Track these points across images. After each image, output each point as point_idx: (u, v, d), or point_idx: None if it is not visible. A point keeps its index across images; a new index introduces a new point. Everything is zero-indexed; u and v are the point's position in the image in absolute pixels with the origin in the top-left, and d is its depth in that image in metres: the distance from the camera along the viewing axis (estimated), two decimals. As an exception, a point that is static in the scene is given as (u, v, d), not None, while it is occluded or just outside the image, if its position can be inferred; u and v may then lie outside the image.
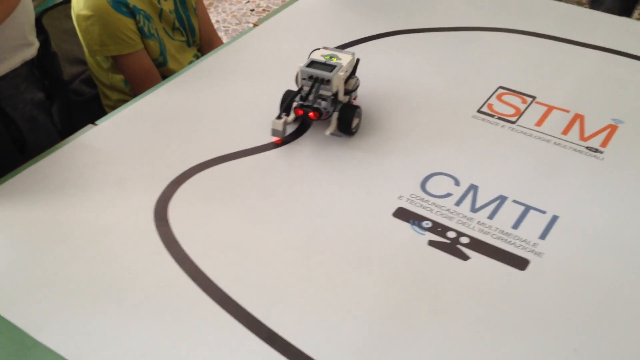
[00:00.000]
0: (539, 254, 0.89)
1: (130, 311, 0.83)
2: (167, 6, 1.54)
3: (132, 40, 1.45)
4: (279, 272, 0.88)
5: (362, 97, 1.17)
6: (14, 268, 0.89)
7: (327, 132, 1.08)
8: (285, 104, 1.09)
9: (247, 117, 1.15)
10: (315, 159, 1.07)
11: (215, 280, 0.86)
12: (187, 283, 0.86)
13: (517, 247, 0.90)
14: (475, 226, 0.94)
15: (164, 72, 1.53)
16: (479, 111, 1.17)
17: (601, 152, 1.07)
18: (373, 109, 1.17)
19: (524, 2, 1.51)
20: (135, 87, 1.50)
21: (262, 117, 1.12)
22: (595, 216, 0.95)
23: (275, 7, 2.88)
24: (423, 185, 1.01)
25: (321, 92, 1.06)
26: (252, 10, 3.14)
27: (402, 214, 0.96)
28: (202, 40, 1.67)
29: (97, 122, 1.16)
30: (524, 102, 1.18)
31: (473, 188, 1.00)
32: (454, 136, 1.11)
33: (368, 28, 1.41)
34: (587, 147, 1.08)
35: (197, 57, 1.62)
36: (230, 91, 1.23)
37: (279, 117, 1.08)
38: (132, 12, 1.44)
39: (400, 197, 0.99)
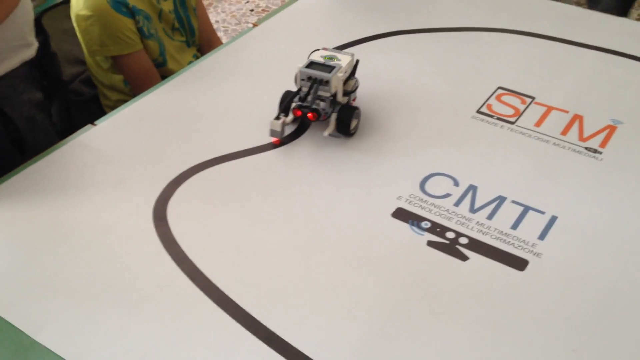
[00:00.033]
0: (537, 255, 0.89)
1: (129, 311, 0.83)
2: (167, 6, 1.54)
3: (132, 41, 1.45)
4: (278, 273, 0.88)
5: (361, 97, 1.17)
6: (13, 268, 0.89)
7: (326, 133, 1.08)
8: (284, 105, 1.09)
9: (247, 118, 1.15)
10: (313, 160, 1.07)
11: (214, 280, 0.86)
12: (186, 283, 0.86)
13: (516, 247, 0.91)
14: (474, 226, 0.94)
15: (163, 72, 1.53)
16: (478, 112, 1.17)
17: (600, 153, 1.07)
18: (372, 109, 1.17)
19: (523, 2, 1.51)
20: (134, 88, 1.50)
21: (261, 118, 1.12)
22: (594, 217, 0.95)
23: (274, 8, 2.88)
24: (422, 186, 1.01)
25: (320, 93, 1.06)
26: (252, 10, 3.14)
27: (401, 214, 0.96)
28: (201, 41, 1.67)
29: (96, 122, 1.16)
30: (523, 102, 1.18)
31: (472, 188, 1.00)
32: (453, 137, 1.11)
33: (367, 28, 1.41)
34: (586, 148, 1.08)
35: (197, 58, 1.62)
36: (229, 91, 1.23)
37: (277, 118, 1.08)
38: (131, 12, 1.44)
39: (399, 198, 0.99)
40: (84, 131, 1.14)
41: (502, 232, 0.93)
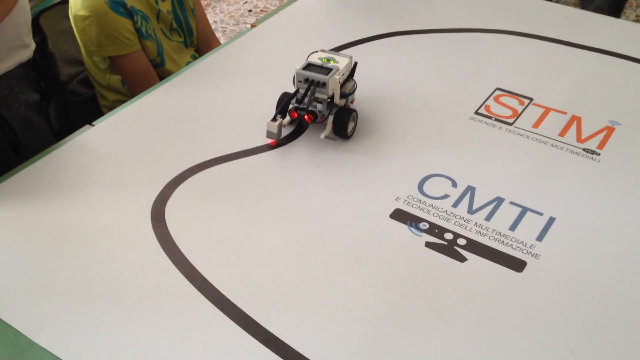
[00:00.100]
0: (536, 256, 0.89)
1: (127, 312, 0.83)
2: (165, 7, 1.54)
3: (130, 41, 1.45)
4: (276, 273, 0.88)
5: (358, 98, 1.17)
6: (10, 269, 0.89)
7: (322, 136, 1.08)
8: (281, 106, 1.09)
9: (245, 119, 1.15)
10: (311, 161, 1.06)
11: (212, 281, 0.86)
12: (184, 284, 0.86)
13: (514, 248, 0.91)
14: (472, 228, 0.94)
15: (161, 72, 1.53)
16: (476, 113, 1.17)
17: (598, 154, 1.07)
18: (369, 110, 1.17)
19: (522, 3, 1.51)
20: (132, 88, 1.50)
21: (259, 119, 1.12)
22: (592, 218, 0.95)
23: (272, 8, 2.88)
24: (420, 187, 1.01)
25: (317, 95, 1.06)
26: (250, 11, 3.13)
27: (399, 215, 0.96)
28: (199, 41, 1.67)
29: (94, 123, 1.16)
30: (522, 103, 1.18)
31: (470, 190, 1.00)
32: (452, 138, 1.11)
33: (365, 29, 1.41)
34: (584, 149, 1.08)
35: (195, 58, 1.62)
36: (227, 92, 1.23)
37: (274, 119, 1.08)
38: (129, 13, 1.44)
39: (397, 199, 0.99)
40: (81, 132, 1.13)
41: (500, 233, 0.93)
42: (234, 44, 1.39)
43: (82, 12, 1.41)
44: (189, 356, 0.78)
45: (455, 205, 0.97)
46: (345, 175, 1.03)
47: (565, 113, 1.16)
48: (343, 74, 1.08)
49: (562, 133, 1.11)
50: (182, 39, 1.61)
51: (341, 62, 1.08)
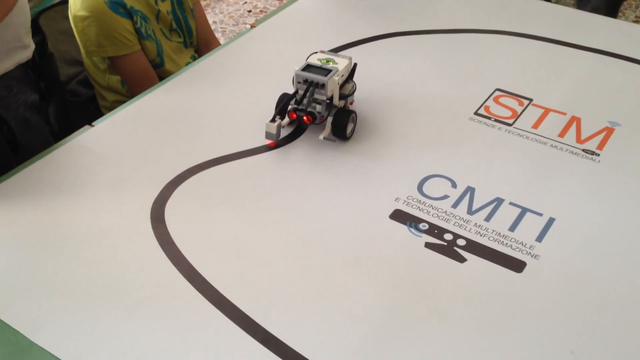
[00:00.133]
0: (535, 257, 0.89)
1: (127, 313, 0.83)
2: (165, 7, 1.54)
3: (129, 41, 1.45)
4: (276, 274, 0.88)
5: (358, 99, 1.17)
6: (10, 269, 0.89)
7: (321, 137, 1.08)
8: (280, 107, 1.09)
9: (244, 119, 1.15)
10: (310, 162, 1.06)
11: (211, 281, 0.86)
12: (184, 284, 0.86)
13: (513, 249, 0.91)
14: (472, 228, 0.94)
15: (160, 73, 1.53)
16: (475, 113, 1.17)
17: (597, 155, 1.07)
18: (369, 111, 1.17)
19: (521, 4, 1.52)
20: (132, 88, 1.50)
21: (258, 119, 1.12)
22: (591, 218, 0.96)
23: (272, 9, 2.88)
24: (420, 188, 1.01)
25: (316, 96, 1.06)
26: (250, 11, 3.14)
27: (399, 216, 0.96)
28: (199, 42, 1.67)
29: (93, 123, 1.16)
30: (521, 104, 1.19)
31: (470, 190, 1.00)
32: (451, 138, 1.11)
33: (365, 30, 1.41)
34: (583, 150, 1.08)
35: (194, 59, 1.62)
36: (227, 93, 1.23)
37: (273, 120, 1.08)
38: (129, 13, 1.44)
39: (397, 199, 0.99)
40: (81, 132, 1.13)
41: (499, 233, 0.93)
42: (233, 44, 1.39)
43: (82, 13, 1.41)
44: (188, 356, 0.78)
45: (454, 205, 0.98)
46: (345, 176, 1.04)
47: (564, 114, 1.16)
48: (342, 75, 1.08)
49: (562, 134, 1.11)
50: (181, 40, 1.61)
51: (340, 63, 1.08)
